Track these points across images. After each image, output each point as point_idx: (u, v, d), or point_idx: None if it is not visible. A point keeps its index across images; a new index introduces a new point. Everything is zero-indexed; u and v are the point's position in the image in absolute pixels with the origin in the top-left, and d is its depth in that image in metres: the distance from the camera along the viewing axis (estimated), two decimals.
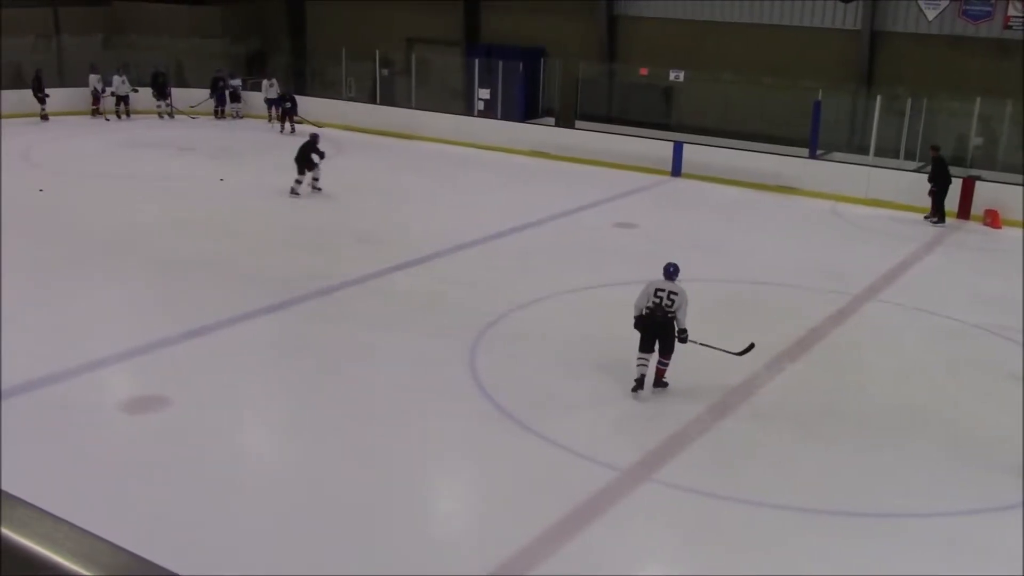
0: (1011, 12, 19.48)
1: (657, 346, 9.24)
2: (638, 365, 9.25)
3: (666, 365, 9.36)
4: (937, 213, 16.99)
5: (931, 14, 20.37)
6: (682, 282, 9.38)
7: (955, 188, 17.28)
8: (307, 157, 17.26)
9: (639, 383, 9.26)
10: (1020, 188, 17.68)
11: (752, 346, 9.67)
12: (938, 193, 16.89)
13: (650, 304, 9.16)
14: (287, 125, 24.12)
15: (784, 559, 6.93)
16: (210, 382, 9.65)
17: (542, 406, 9.20)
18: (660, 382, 9.42)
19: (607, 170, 20.83)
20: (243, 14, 29.56)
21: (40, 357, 9.79)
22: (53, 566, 1.04)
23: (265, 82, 25.47)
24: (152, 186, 18.29)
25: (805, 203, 18.64)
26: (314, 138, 17.57)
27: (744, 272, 13.68)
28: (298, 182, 17.35)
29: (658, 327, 9.16)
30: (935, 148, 17.22)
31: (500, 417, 8.93)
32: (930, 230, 16.77)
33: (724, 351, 9.64)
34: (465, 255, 14.33)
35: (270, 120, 25.19)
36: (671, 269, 9.41)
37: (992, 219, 17.17)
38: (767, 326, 11.54)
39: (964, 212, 17.51)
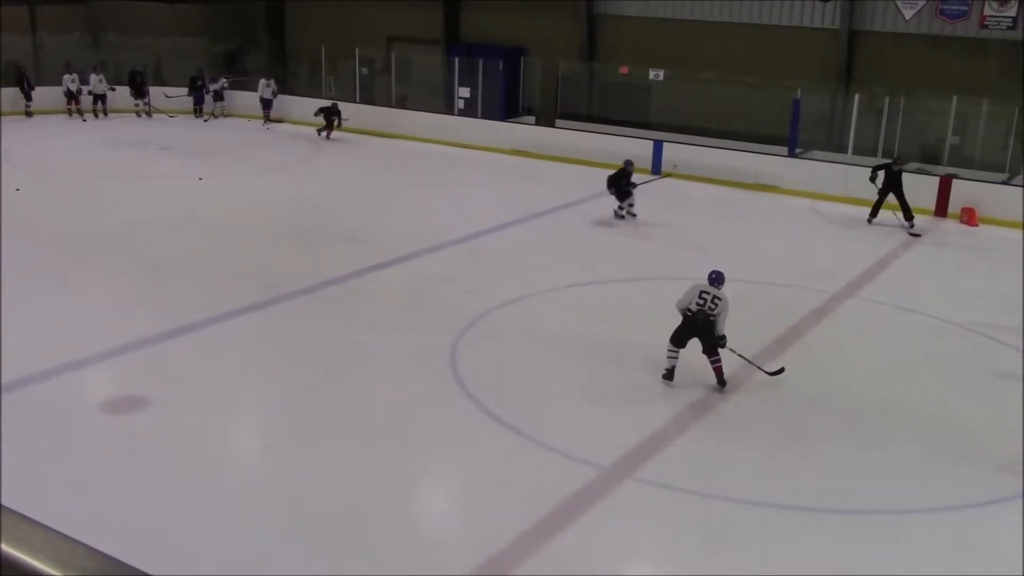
0: (987, 11, 19.65)
1: (702, 348, 9.46)
2: (669, 356, 9.57)
3: (719, 362, 9.51)
4: (874, 212, 16.72)
5: (908, 13, 20.52)
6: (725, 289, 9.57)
7: (932, 186, 17.35)
8: (620, 184, 16.31)
9: (670, 373, 9.57)
10: (996, 186, 17.86)
11: (783, 370, 9.85)
12: (882, 193, 16.55)
13: (692, 307, 9.38)
14: (327, 133, 23.62)
15: (767, 557, 6.96)
16: (193, 382, 9.60)
17: (525, 404, 9.20)
18: (721, 380, 9.53)
19: (588, 168, 20.86)
20: (223, 13, 29.39)
21: (20, 357, 9.67)
22: (31, 570, 1.02)
23: (263, 81, 25.31)
24: (131, 185, 18.17)
25: (784, 201, 18.74)
26: (629, 166, 16.45)
27: (724, 270, 13.68)
28: (620, 208, 16.55)
29: (698, 328, 9.41)
30: (898, 160, 16.99)
31: (482, 416, 8.93)
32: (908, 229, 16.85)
33: (758, 367, 9.81)
34: (447, 254, 14.32)
35: (265, 121, 25.10)
36: (714, 276, 9.63)
37: (969, 217, 17.31)
38: (748, 324, 11.58)
39: (941, 210, 17.65)
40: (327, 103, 23.93)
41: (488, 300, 12.06)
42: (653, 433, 8.72)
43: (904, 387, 10.16)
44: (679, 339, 9.51)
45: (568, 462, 8.09)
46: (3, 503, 1.13)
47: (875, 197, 16.64)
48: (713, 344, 9.44)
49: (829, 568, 6.80)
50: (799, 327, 11.66)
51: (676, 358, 9.57)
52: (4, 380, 9.08)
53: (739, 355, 9.71)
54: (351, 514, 7.29)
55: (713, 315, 9.35)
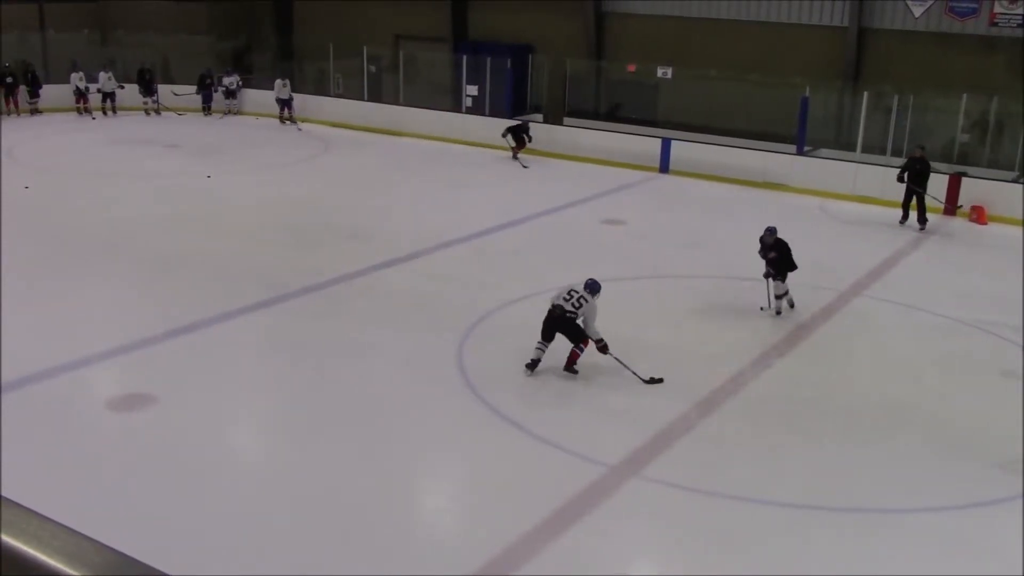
0: (997, 9, 19.56)
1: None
2: (536, 348, 9.81)
3: (578, 353, 9.71)
4: (919, 216, 16.64)
5: (918, 11, 20.44)
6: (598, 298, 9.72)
7: (940, 185, 17.28)
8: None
9: (533, 364, 9.76)
10: (1006, 184, 17.78)
11: (660, 380, 9.65)
12: (917, 194, 16.60)
13: (558, 300, 9.69)
14: (516, 153, 21.50)
15: (772, 555, 6.95)
16: (197, 380, 9.62)
17: (530, 403, 9.21)
18: (570, 367, 9.78)
19: (595, 166, 20.84)
20: (230, 10, 29.43)
21: (26, 355, 9.72)
22: (39, 564, 1.03)
23: (279, 82, 25.19)
24: (139, 183, 18.21)
25: (793, 199, 18.69)
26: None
27: (732, 268, 13.70)
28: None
29: (555, 320, 9.68)
30: (921, 148, 17.08)
31: (488, 414, 8.94)
32: (909, 229, 16.76)
33: (633, 372, 9.67)
34: (454, 252, 14.32)
35: (281, 120, 25.03)
36: (589, 283, 9.82)
37: (978, 215, 17.25)
38: (755, 322, 11.58)
39: (951, 208, 17.58)
40: (515, 122, 21.83)
41: (494, 298, 12.06)
42: (659, 432, 8.71)
43: (910, 386, 10.13)
44: (543, 332, 9.75)
45: (574, 460, 8.10)
46: (11, 498, 1.14)
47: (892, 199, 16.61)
48: (573, 336, 9.63)
49: (833, 567, 6.79)
50: (807, 325, 11.63)
51: (542, 351, 9.75)
52: (10, 378, 9.12)
53: (616, 359, 9.68)
54: (355, 513, 7.30)
55: (569, 312, 9.56)
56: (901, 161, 19.40)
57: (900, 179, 16.60)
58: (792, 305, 11.62)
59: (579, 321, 9.62)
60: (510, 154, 21.22)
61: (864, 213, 17.66)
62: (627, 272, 13.51)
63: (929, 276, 14.24)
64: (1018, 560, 6.80)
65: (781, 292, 11.42)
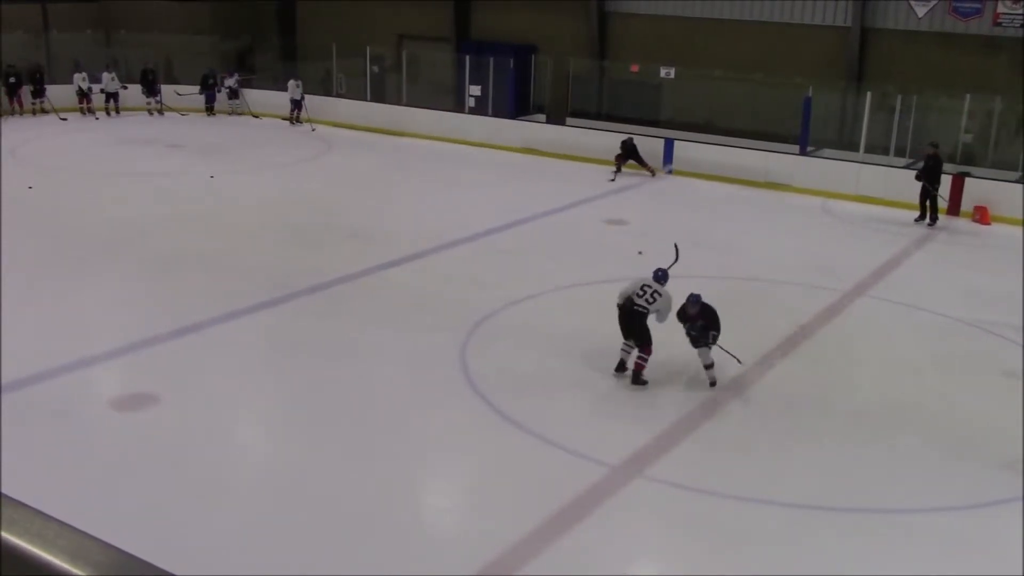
0: (1001, 9, 19.54)
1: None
2: (622, 350, 9.69)
3: (643, 361, 9.49)
4: (931, 214, 16.80)
5: (921, 11, 20.42)
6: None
7: (944, 184, 17.27)
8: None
9: (621, 365, 9.68)
10: (1009, 184, 17.75)
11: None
12: (930, 192, 16.77)
13: (629, 295, 9.48)
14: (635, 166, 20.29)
15: (774, 555, 6.95)
16: (200, 379, 9.63)
17: (534, 403, 9.20)
18: (636, 377, 9.54)
19: (598, 166, 20.84)
20: (233, 10, 29.44)
21: (30, 355, 9.74)
22: (43, 564, 1.03)
23: (292, 82, 25.12)
24: (142, 183, 18.22)
25: (795, 199, 18.68)
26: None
27: (735, 268, 13.70)
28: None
29: (626, 316, 9.48)
30: (934, 146, 17.11)
31: (491, 414, 8.94)
32: (920, 227, 16.80)
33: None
34: (457, 251, 14.33)
35: (291, 121, 24.97)
36: (660, 274, 9.70)
37: (981, 215, 17.23)
38: (758, 322, 11.57)
39: (954, 208, 17.55)
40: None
41: (497, 298, 12.06)
42: (662, 432, 8.72)
43: (913, 386, 10.13)
44: (622, 331, 9.58)
45: (577, 460, 8.10)
46: (15, 497, 1.14)
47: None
48: (640, 339, 9.42)
49: (835, 567, 6.79)
50: (809, 326, 11.63)
51: (627, 352, 9.63)
52: (12, 377, 9.13)
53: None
54: (358, 512, 7.31)
55: (641, 308, 9.37)
56: (904, 161, 19.45)
57: (918, 178, 16.67)
58: (713, 383, 9.60)
59: (650, 318, 9.42)
60: (623, 169, 20.11)
61: (867, 213, 17.64)
62: (629, 272, 13.44)
63: (931, 276, 14.23)
64: (1020, 561, 6.79)
65: (708, 362, 9.55)
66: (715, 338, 9.39)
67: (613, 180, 19.72)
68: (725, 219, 17.09)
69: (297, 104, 25.01)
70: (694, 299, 9.45)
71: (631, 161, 20.16)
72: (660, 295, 9.44)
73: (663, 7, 23.68)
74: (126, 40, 27.59)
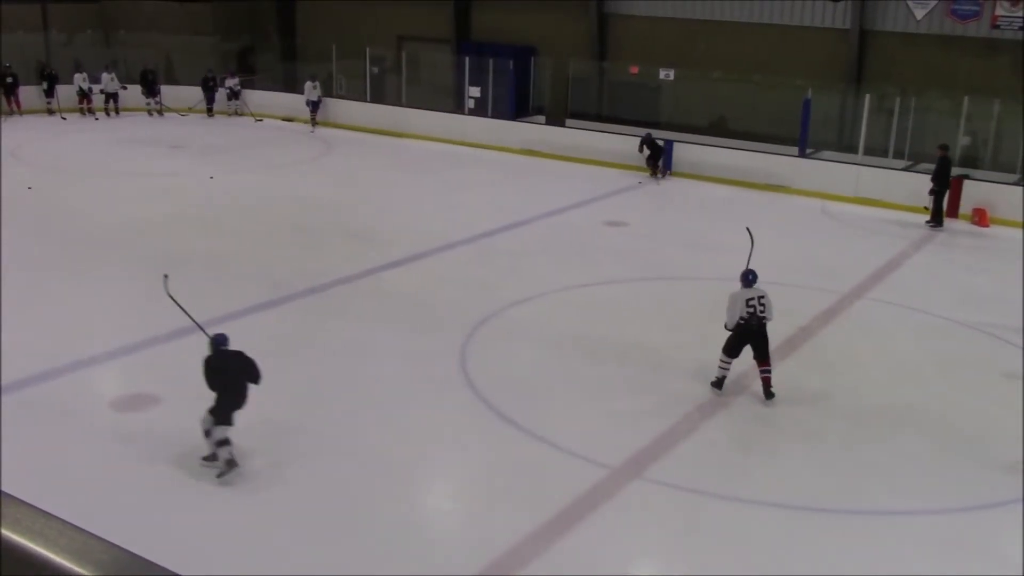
0: (999, 12, 19.56)
1: (754, 355, 9.29)
2: (720, 367, 9.40)
3: (769, 372, 9.36)
4: (936, 216, 16.82)
5: (920, 13, 20.44)
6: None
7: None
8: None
9: (719, 382, 9.43)
10: (1008, 187, 17.77)
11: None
12: (938, 194, 16.74)
13: (744, 314, 9.18)
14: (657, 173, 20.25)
15: (774, 556, 6.95)
16: (201, 380, 9.60)
17: (533, 404, 9.21)
18: (768, 392, 9.37)
19: (598, 168, 20.84)
20: (234, 11, 29.46)
21: (31, 355, 9.74)
22: (45, 562, 1.04)
23: (309, 84, 24.97)
24: (143, 184, 18.22)
25: (795, 201, 18.69)
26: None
27: (734, 270, 13.63)
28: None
29: (753, 334, 9.22)
30: (943, 148, 17.08)
31: (491, 415, 8.94)
32: (919, 229, 16.81)
33: None
34: (456, 253, 14.33)
35: (312, 124, 24.76)
36: (751, 277, 9.45)
37: (980, 218, 17.24)
38: None
39: (952, 211, 17.56)
40: (643, 132, 20.54)
41: (497, 300, 12.06)
42: (662, 433, 8.72)
43: (911, 388, 10.13)
44: (733, 349, 9.32)
45: (577, 462, 8.10)
46: (18, 496, 1.15)
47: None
48: (766, 351, 9.29)
49: (834, 568, 6.80)
50: (809, 328, 11.63)
51: (728, 368, 9.42)
52: (13, 378, 9.13)
53: None
54: (358, 512, 7.31)
55: (766, 317, 9.20)
56: (903, 163, 19.46)
57: (933, 180, 16.68)
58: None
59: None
60: (649, 173, 20.01)
61: (866, 215, 17.65)
62: (629, 274, 13.51)
63: (931, 278, 14.24)
64: (1020, 562, 6.80)
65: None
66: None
67: (659, 180, 19.80)
68: (724, 221, 17.07)
69: (315, 106, 24.72)
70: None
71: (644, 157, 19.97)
72: (764, 295, 9.30)
73: (663, 9, 23.69)
74: (126, 40, 27.58)
